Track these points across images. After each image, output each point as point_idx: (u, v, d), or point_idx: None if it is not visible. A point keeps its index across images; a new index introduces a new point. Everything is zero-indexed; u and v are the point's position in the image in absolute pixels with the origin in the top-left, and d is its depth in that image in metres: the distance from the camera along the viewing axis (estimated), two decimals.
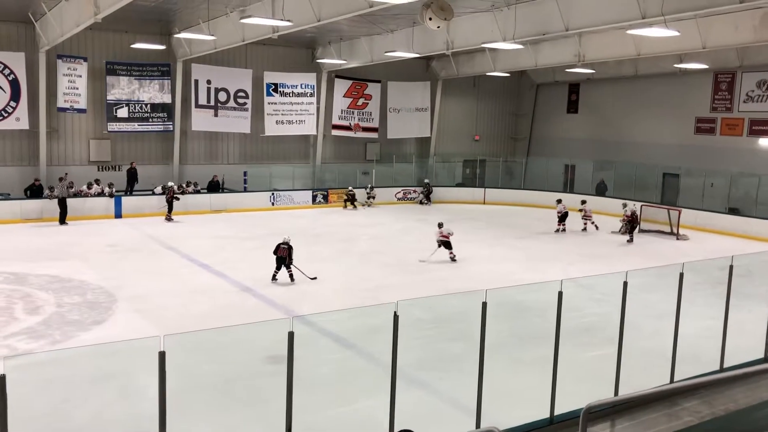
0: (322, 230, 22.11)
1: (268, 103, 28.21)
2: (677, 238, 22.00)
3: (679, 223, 22.39)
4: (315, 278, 14.95)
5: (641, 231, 22.45)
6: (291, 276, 14.70)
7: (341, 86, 30.12)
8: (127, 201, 23.78)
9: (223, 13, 20.08)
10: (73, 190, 22.66)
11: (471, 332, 7.67)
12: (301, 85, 28.84)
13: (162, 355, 5.16)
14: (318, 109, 29.45)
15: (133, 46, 23.94)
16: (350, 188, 28.13)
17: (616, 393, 8.04)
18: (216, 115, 27.04)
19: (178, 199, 23.15)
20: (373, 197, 28.43)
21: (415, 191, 30.25)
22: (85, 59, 24.08)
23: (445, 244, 17.45)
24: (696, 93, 27.98)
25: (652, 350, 9.95)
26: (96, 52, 24.48)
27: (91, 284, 14.19)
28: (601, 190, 29.13)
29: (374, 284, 14.98)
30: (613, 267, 15.99)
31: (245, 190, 27.36)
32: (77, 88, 24.04)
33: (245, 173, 27.65)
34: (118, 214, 23.29)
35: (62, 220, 21.65)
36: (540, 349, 9.23)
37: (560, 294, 7.62)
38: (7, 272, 14.97)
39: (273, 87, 28.24)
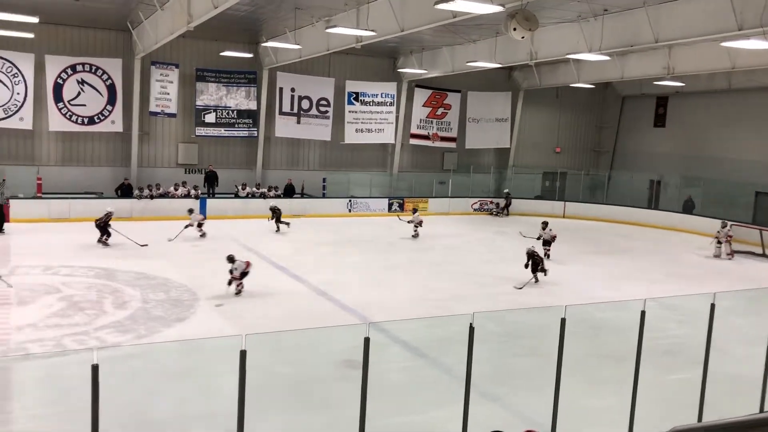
0: (396, 238, 22.19)
1: (349, 112, 28.63)
2: None
3: None
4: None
5: (735, 252, 21.32)
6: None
7: (421, 96, 30.23)
8: (210, 203, 24.62)
9: (309, 23, 20.55)
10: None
11: (545, 348, 7.53)
12: (381, 94, 29.12)
13: (243, 354, 5.31)
14: (397, 118, 29.67)
15: (221, 54, 24.82)
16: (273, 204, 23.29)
17: (700, 419, 7.71)
18: (298, 122, 27.68)
19: (109, 225, 18.88)
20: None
21: (492, 202, 29.93)
22: (177, 66, 25.15)
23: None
24: None
25: (740, 376, 9.48)
26: (187, 59, 25.51)
27: (175, 282, 14.74)
28: (688, 208, 28.00)
29: (446, 294, 14.91)
30: (699, 288, 15.35)
31: (324, 196, 27.83)
32: (168, 94, 25.15)
33: (324, 179, 28.15)
34: (202, 215, 24.10)
35: None
36: (618, 369, 8.96)
37: (643, 313, 7.38)
38: (99, 267, 15.77)
39: (354, 96, 28.64)
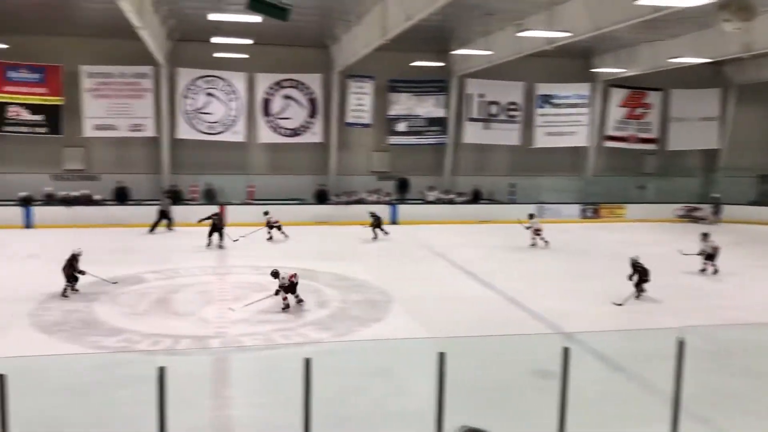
0: (589, 246, 21.31)
1: (539, 115, 28.09)
2: None
3: None
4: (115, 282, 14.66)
5: None
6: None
7: (617, 96, 28.82)
8: (401, 208, 25.43)
9: (499, 28, 20.47)
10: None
11: (759, 369, 6.77)
12: (573, 95, 28.22)
13: (442, 356, 5.41)
14: (591, 119, 28.54)
15: (412, 64, 25.51)
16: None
17: None
18: (487, 127, 27.71)
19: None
20: None
21: (699, 208, 27.60)
22: (372, 78, 26.32)
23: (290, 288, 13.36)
24: None
25: None
26: (380, 71, 26.54)
27: (370, 284, 15.39)
28: None
29: (647, 306, 14.01)
30: None
31: (512, 201, 27.50)
32: (363, 105, 26.43)
33: (512, 185, 27.83)
34: (394, 221, 24.99)
35: (153, 228, 22.19)
36: None
37: None
38: (302, 268, 16.84)
39: (545, 98, 28.06)
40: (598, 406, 8.75)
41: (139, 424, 7.52)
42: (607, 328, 11.97)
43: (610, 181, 28.71)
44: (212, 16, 15.94)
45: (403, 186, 26.95)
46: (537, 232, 20.70)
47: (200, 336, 11.57)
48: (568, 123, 28.32)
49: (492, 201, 27.39)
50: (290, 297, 13.30)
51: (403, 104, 27.03)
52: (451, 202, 26.12)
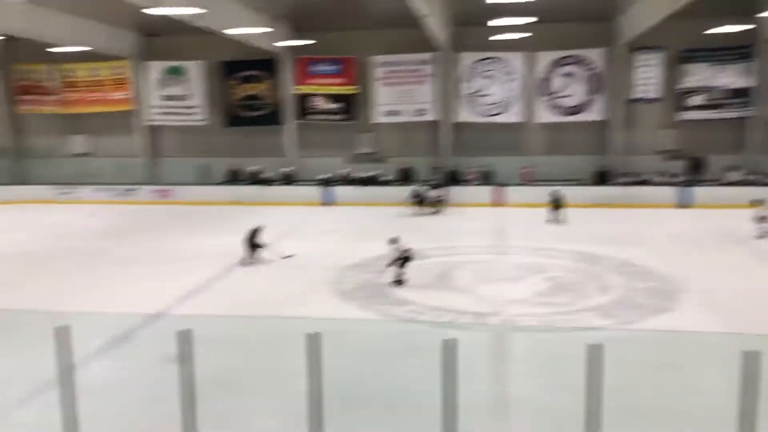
0: None
1: None
2: None
3: None
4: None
5: None
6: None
7: None
8: (696, 191, 23.17)
9: None
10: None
11: None
12: None
13: (752, 356, 4.80)
14: None
15: (708, 32, 22.84)
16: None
17: None
18: None
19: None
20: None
21: None
22: (661, 49, 24.30)
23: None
24: None
25: None
26: (670, 41, 24.32)
27: (657, 272, 14.32)
28: None
29: None
30: None
31: None
32: (651, 78, 24.58)
33: None
34: (685, 204, 22.92)
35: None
36: None
37: None
38: (580, 252, 16.37)
39: None
40: None
41: (423, 393, 7.96)
42: None
43: None
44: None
45: (696, 166, 24.51)
46: (763, 219, 17.69)
47: (479, 312, 11.84)
48: None
49: None
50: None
51: (698, 75, 24.48)
52: (756, 183, 23.05)
